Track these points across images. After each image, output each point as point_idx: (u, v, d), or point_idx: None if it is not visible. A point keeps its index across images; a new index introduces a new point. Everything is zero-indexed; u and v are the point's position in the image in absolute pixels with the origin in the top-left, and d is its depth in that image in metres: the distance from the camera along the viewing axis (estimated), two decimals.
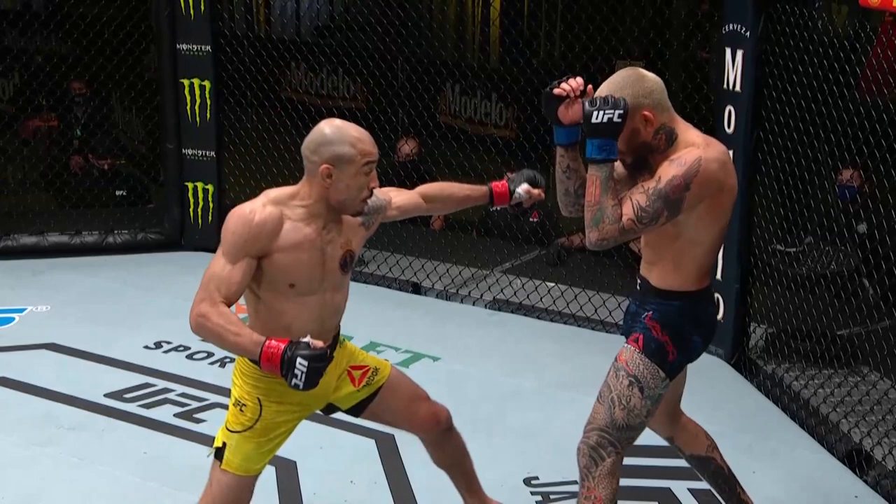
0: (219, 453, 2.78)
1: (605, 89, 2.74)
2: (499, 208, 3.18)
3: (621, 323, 5.13)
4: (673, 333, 2.83)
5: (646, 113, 2.71)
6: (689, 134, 2.76)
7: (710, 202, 2.72)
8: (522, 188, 3.14)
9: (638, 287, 2.94)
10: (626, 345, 2.89)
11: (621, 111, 2.64)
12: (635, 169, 2.80)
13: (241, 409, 2.75)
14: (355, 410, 2.98)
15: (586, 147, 2.72)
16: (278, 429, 2.82)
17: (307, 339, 2.57)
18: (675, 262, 2.82)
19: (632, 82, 2.72)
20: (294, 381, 2.53)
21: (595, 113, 2.65)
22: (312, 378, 2.53)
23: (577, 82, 2.79)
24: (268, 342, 2.56)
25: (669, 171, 2.68)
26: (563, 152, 2.84)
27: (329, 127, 2.67)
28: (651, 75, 2.77)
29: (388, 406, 2.98)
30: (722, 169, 2.72)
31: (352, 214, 2.74)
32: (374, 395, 2.96)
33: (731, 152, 3.80)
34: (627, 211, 2.69)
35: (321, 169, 2.63)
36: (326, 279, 2.74)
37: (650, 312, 2.86)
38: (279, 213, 2.64)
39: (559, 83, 2.79)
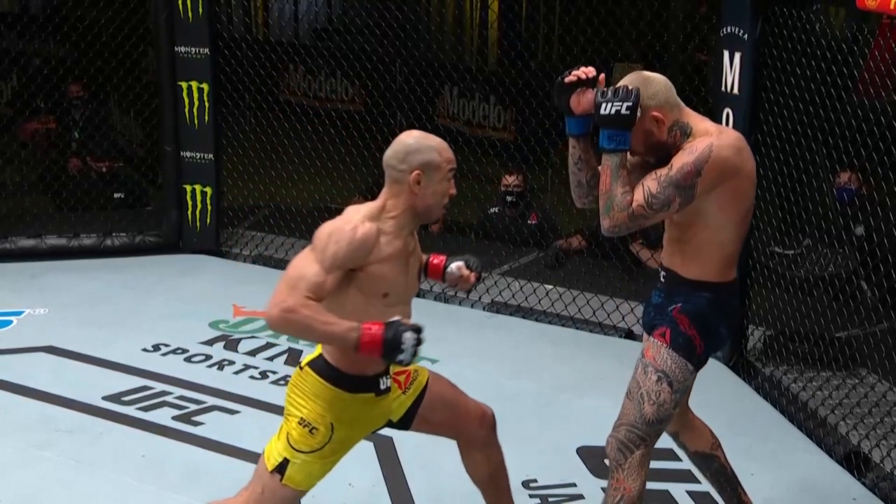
0: (280, 467, 2.78)
1: None
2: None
3: (614, 326, 5.19)
4: (701, 326, 2.86)
5: (655, 114, 2.77)
6: (703, 125, 2.83)
7: (728, 187, 2.77)
8: (455, 265, 3.12)
9: (661, 279, 2.96)
10: (652, 339, 2.91)
11: (629, 103, 2.71)
12: (657, 165, 2.84)
13: (310, 432, 2.76)
14: (405, 422, 2.98)
15: (599, 137, 2.78)
16: (344, 448, 2.87)
17: (397, 318, 2.64)
18: (701, 251, 2.85)
19: (637, 86, 2.77)
20: (401, 356, 2.60)
21: (604, 104, 2.73)
22: (417, 352, 2.63)
23: (588, 70, 2.84)
24: (365, 326, 2.61)
25: (681, 158, 2.74)
26: (574, 143, 2.89)
27: (411, 138, 2.76)
28: (656, 76, 2.82)
29: (437, 405, 3.00)
30: (737, 154, 2.77)
31: (433, 221, 2.79)
32: (420, 398, 2.97)
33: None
34: (638, 197, 2.75)
35: (412, 176, 2.70)
36: (408, 289, 2.83)
37: (679, 305, 2.88)
38: (377, 229, 2.70)
39: (570, 72, 2.83)
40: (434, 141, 2.76)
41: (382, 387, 2.82)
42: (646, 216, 2.76)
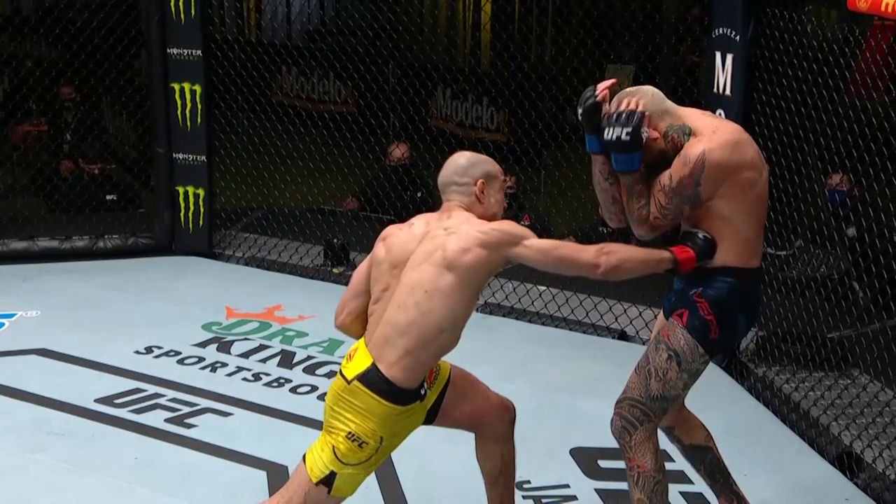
0: (326, 480, 2.82)
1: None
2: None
3: (607, 327, 5.19)
4: (719, 311, 2.91)
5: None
6: (700, 122, 2.90)
7: (731, 182, 2.84)
8: None
9: None
10: (670, 319, 2.97)
11: (629, 129, 2.80)
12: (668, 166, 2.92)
13: (360, 446, 2.79)
14: (429, 417, 2.99)
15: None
16: (388, 454, 2.92)
17: (684, 247, 2.87)
18: (720, 238, 2.90)
19: (642, 110, 2.84)
20: (703, 240, 2.86)
21: (607, 129, 2.84)
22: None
23: (609, 82, 2.92)
24: (678, 250, 2.86)
25: (678, 169, 2.85)
26: (603, 160, 2.94)
27: (463, 157, 2.96)
28: (640, 89, 2.90)
29: (461, 397, 3.03)
30: (733, 151, 2.84)
31: None
32: (443, 392, 3.00)
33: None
34: (653, 210, 2.90)
35: (477, 185, 2.87)
36: None
37: (699, 289, 2.93)
38: None
39: (596, 91, 2.89)
40: (484, 156, 2.95)
41: (422, 392, 2.86)
42: (663, 224, 2.92)
